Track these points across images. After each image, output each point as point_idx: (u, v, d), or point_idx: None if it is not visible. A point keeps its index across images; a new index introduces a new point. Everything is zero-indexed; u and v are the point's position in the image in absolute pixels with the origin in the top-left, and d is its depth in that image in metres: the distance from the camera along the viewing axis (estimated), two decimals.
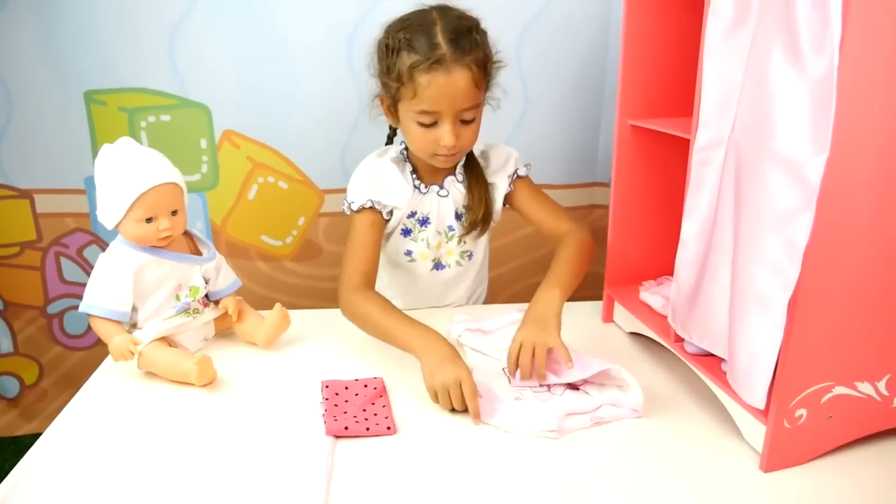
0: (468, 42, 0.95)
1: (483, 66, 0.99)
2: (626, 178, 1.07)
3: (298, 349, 1.05)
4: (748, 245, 0.72)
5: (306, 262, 1.63)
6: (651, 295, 1.04)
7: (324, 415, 0.85)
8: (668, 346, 0.96)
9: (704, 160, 0.83)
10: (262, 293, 1.62)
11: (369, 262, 1.05)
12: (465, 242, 1.16)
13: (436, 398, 0.88)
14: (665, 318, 0.99)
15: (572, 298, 1.40)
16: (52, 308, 1.59)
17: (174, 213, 0.95)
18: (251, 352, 1.04)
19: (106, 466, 0.77)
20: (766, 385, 0.70)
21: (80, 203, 1.53)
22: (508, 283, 1.70)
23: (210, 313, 1.03)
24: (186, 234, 1.03)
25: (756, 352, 0.71)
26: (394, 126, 1.12)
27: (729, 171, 0.78)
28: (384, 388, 0.92)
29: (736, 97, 0.76)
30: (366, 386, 0.91)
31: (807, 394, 0.73)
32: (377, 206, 1.06)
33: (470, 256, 1.19)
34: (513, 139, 1.53)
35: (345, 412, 0.86)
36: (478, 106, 1.01)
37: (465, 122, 1.00)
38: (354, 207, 1.07)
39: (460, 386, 0.85)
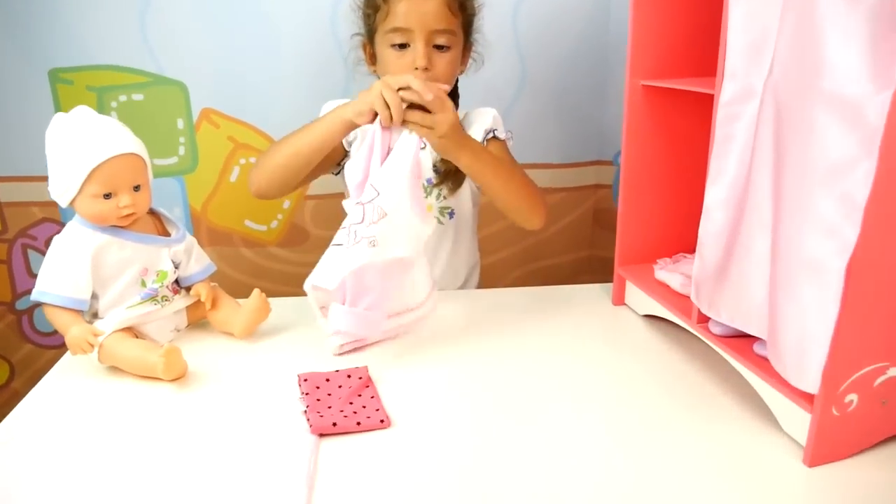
0: None
1: None
2: (636, 145, 0.97)
3: (279, 339, 0.95)
4: (793, 205, 0.63)
5: (293, 247, 1.53)
6: (668, 273, 0.94)
7: (306, 411, 0.75)
8: (689, 329, 0.86)
9: (732, 116, 0.73)
10: (247, 281, 1.52)
11: None
12: (444, 198, 1.10)
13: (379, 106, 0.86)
14: (685, 297, 0.90)
15: (578, 281, 1.31)
16: (21, 304, 1.49)
17: (137, 188, 0.85)
18: (227, 343, 0.94)
19: (62, 472, 0.68)
20: (821, 365, 0.60)
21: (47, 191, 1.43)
22: (505, 272, 1.60)
23: (181, 301, 0.93)
24: (153, 213, 0.93)
25: (807, 328, 0.61)
26: (374, 75, 1.08)
27: (765, 125, 0.68)
28: (370, 377, 0.82)
29: (771, 39, 0.66)
30: (349, 377, 0.82)
31: (858, 376, 0.63)
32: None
33: (451, 215, 1.13)
34: (509, 117, 1.43)
35: (329, 407, 0.76)
36: (453, 34, 1.00)
37: (440, 49, 0.99)
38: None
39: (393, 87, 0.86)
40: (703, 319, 0.83)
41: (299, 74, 1.39)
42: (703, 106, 0.94)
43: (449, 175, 1.08)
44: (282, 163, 0.99)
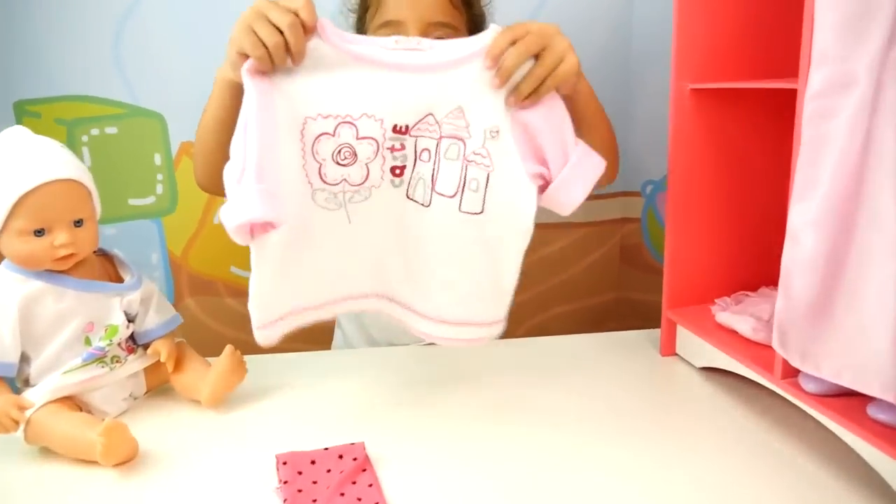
0: None
1: None
2: (685, 161, 0.81)
3: (256, 409, 0.77)
4: None
5: None
6: (733, 315, 0.77)
7: None
8: (769, 385, 0.68)
9: (824, 112, 0.57)
10: (233, 335, 1.34)
11: None
12: None
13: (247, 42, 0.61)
14: (759, 346, 0.72)
15: (616, 328, 1.13)
16: None
17: (78, 223, 0.69)
18: (191, 413, 0.76)
19: None
20: None
21: None
22: (519, 319, 1.41)
23: (137, 362, 0.76)
24: (103, 254, 0.76)
25: None
26: None
27: (882, 117, 0.52)
28: (367, 458, 0.64)
29: (885, 6, 0.51)
30: (341, 457, 0.64)
31: None
32: None
33: None
34: None
35: (314, 501, 0.58)
36: (454, 30, 0.84)
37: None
38: None
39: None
40: (790, 373, 0.65)
41: None
42: (766, 110, 0.79)
43: None
44: (203, 148, 0.83)
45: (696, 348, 0.82)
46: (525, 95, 0.65)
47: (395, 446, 0.68)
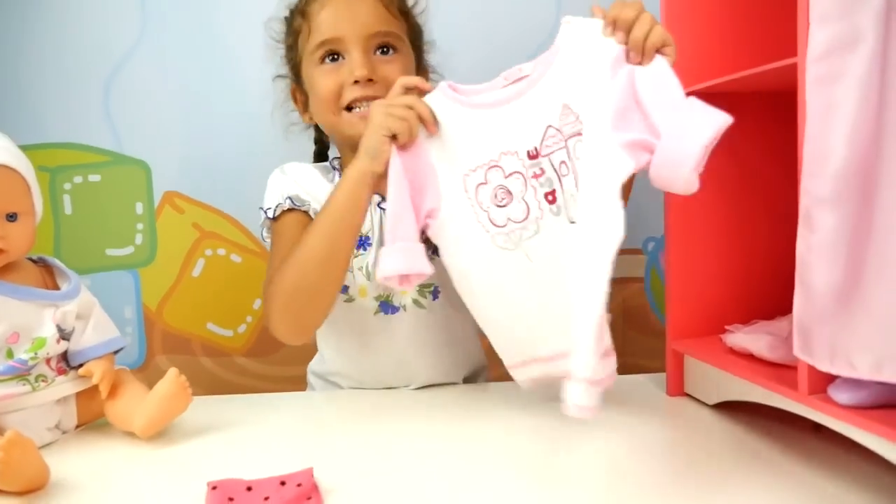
0: None
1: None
2: None
3: (198, 441, 0.67)
4: None
5: (262, 357, 1.27)
6: (746, 336, 0.67)
7: None
8: (795, 409, 0.58)
9: (830, 75, 0.51)
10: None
11: None
12: None
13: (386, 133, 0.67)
14: (777, 365, 0.63)
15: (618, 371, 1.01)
16: None
17: (11, 217, 0.63)
18: (124, 445, 0.66)
19: None
20: None
21: None
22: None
23: (66, 385, 0.67)
24: (43, 264, 0.70)
25: None
26: (310, 123, 0.92)
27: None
28: (315, 486, 0.53)
29: None
30: (283, 484, 0.53)
31: None
32: (297, 203, 0.81)
33: (435, 294, 0.83)
34: None
35: None
36: (398, 38, 0.80)
37: (384, 54, 0.79)
38: (271, 214, 0.81)
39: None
40: (819, 387, 0.55)
41: (274, 155, 1.21)
42: (769, 115, 0.74)
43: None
44: (316, 274, 0.71)
45: (707, 382, 0.71)
46: (643, 39, 0.62)
47: (350, 477, 0.57)
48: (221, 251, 1.25)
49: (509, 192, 0.67)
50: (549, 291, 0.66)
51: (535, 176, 0.66)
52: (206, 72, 1.21)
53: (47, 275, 0.69)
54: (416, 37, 0.86)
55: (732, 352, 0.69)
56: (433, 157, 0.69)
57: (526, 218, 0.67)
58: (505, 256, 0.67)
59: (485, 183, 0.68)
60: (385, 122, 0.67)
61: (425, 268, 0.66)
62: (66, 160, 1.22)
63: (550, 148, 0.66)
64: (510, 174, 0.67)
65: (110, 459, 0.64)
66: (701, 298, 0.77)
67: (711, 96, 0.72)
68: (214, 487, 0.53)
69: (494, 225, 0.67)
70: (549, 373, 0.67)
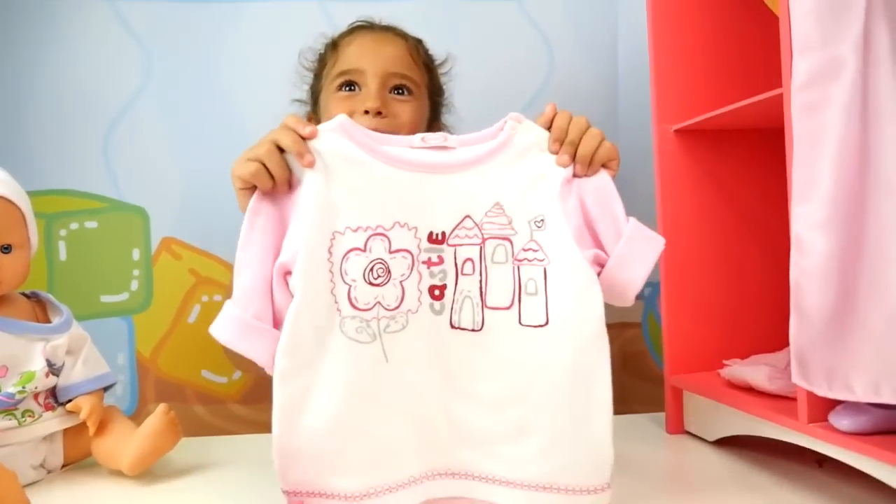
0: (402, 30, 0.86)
1: (418, 48, 0.85)
2: (676, 212, 0.76)
3: (186, 481, 0.65)
4: None
5: (257, 404, 1.24)
6: (745, 367, 0.67)
7: None
8: (798, 441, 0.57)
9: (815, 102, 0.53)
10: None
11: None
12: None
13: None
14: (777, 397, 0.62)
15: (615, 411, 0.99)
16: None
17: (5, 249, 0.63)
18: (109, 484, 0.64)
19: None
20: None
21: None
22: None
23: (54, 421, 0.66)
24: (36, 299, 0.69)
25: None
26: None
27: (878, 94, 0.48)
28: None
29: None
30: None
31: None
32: None
33: None
34: None
35: None
36: (415, 83, 0.81)
37: (399, 94, 0.79)
38: None
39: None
40: (819, 416, 0.54)
41: None
42: (758, 150, 0.75)
43: None
44: None
45: (707, 417, 0.70)
46: (590, 156, 0.60)
47: None
48: (217, 297, 1.24)
49: (388, 271, 0.58)
50: (403, 407, 0.57)
51: (430, 263, 0.59)
52: (205, 118, 1.22)
53: (39, 309, 0.69)
54: (435, 92, 0.88)
55: (731, 385, 0.69)
56: (305, 198, 0.58)
57: (398, 307, 0.58)
58: (353, 350, 0.56)
59: (362, 251, 0.57)
60: (238, 168, 0.61)
61: (259, 357, 0.56)
62: (62, 206, 1.23)
63: (461, 239, 0.59)
64: (396, 251, 0.58)
65: (96, 499, 0.62)
66: (697, 334, 0.76)
67: (700, 133, 0.74)
68: None
69: (353, 306, 0.57)
70: None
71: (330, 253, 0.57)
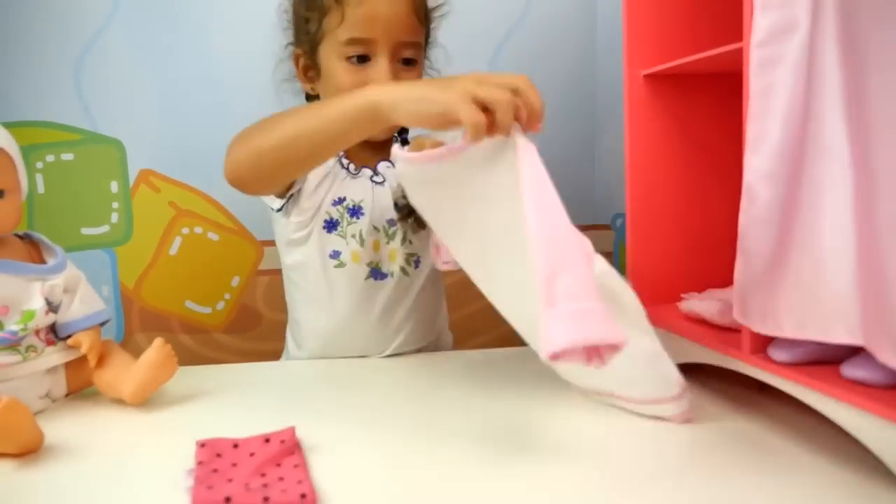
0: None
1: (424, 2, 0.86)
2: (643, 154, 0.79)
3: (187, 406, 0.70)
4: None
5: (242, 333, 1.30)
6: (700, 301, 0.72)
7: (193, 486, 0.50)
8: (742, 370, 0.63)
9: (770, 59, 0.56)
10: None
11: None
12: (410, 243, 0.88)
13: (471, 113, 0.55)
14: (728, 329, 0.68)
15: None
16: None
17: None
18: (114, 412, 0.69)
19: None
20: None
21: None
22: (475, 330, 1.31)
23: (56, 355, 0.70)
24: (29, 240, 0.72)
25: None
26: (311, 92, 0.91)
27: (825, 55, 0.51)
28: (297, 443, 0.57)
29: None
30: (267, 441, 0.57)
31: None
32: None
33: (417, 263, 0.90)
34: None
35: (230, 479, 0.51)
36: (419, 48, 0.84)
37: (406, 65, 0.82)
38: None
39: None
40: (759, 348, 0.60)
41: None
42: (725, 96, 0.78)
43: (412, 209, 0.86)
44: (278, 146, 0.69)
45: (665, 346, 0.76)
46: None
47: (332, 436, 0.61)
48: (198, 229, 1.27)
49: None
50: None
51: None
52: (180, 48, 1.21)
53: (34, 250, 0.71)
54: (428, 36, 0.89)
55: (687, 318, 0.74)
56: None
57: None
58: None
59: None
60: (460, 104, 0.55)
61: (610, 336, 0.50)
62: (37, 139, 1.22)
63: None
64: None
65: (102, 424, 0.67)
66: (660, 269, 0.81)
67: (669, 77, 0.77)
68: (203, 445, 0.56)
69: None
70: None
71: None
